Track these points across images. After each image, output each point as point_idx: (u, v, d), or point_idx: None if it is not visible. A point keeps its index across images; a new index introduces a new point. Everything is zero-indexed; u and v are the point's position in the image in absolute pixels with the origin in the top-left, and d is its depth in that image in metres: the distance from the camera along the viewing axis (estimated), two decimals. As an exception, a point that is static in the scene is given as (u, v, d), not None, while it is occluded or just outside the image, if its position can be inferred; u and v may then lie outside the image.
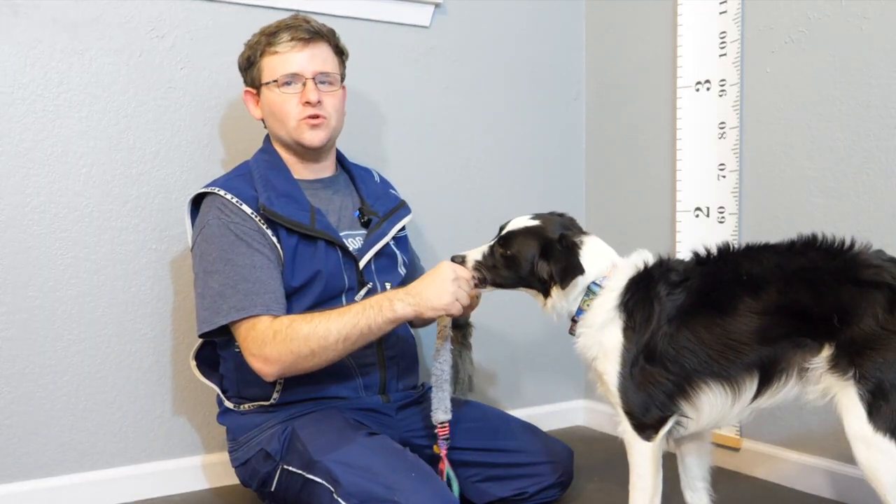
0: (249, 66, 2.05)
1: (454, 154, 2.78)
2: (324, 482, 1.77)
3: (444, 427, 1.94)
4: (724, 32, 2.44)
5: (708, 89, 2.49)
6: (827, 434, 2.22)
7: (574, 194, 3.02)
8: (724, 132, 2.45)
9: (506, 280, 1.84)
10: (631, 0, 2.81)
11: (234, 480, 2.16)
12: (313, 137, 2.02)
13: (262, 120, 2.11)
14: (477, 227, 2.79)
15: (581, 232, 1.86)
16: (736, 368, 1.62)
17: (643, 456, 1.71)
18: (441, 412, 1.94)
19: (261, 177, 1.99)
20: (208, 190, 1.98)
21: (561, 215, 1.90)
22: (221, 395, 2.08)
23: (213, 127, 2.36)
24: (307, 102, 1.99)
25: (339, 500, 1.73)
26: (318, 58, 2.02)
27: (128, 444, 2.28)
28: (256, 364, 1.85)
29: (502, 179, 2.87)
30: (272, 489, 1.93)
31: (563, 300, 1.78)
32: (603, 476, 2.38)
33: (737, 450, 2.44)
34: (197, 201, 2.02)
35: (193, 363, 2.13)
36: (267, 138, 2.14)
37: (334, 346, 1.82)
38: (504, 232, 1.84)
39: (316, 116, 2.00)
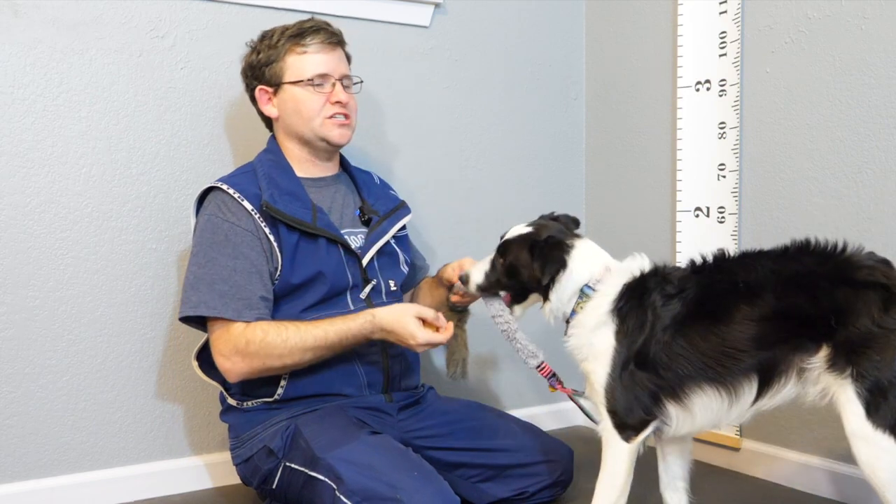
0: (268, 64, 2.06)
1: (454, 154, 2.78)
2: (326, 479, 1.77)
3: (542, 369, 1.94)
4: (724, 32, 2.44)
5: (708, 89, 2.50)
6: (826, 433, 2.22)
7: (574, 194, 3.02)
8: (724, 132, 2.45)
9: (511, 289, 1.89)
10: (631, 0, 2.81)
11: (235, 480, 2.17)
12: (342, 136, 2.11)
13: (271, 119, 2.13)
14: (477, 226, 2.79)
15: (574, 235, 1.88)
16: (733, 374, 1.64)
17: (619, 456, 1.73)
18: (531, 358, 1.92)
19: (265, 175, 2.02)
20: (213, 185, 2.02)
21: (556, 218, 1.93)
22: (224, 393, 2.08)
23: (213, 127, 2.36)
24: (337, 102, 2.07)
25: (342, 497, 1.73)
26: (343, 61, 2.12)
27: (128, 444, 2.27)
28: (225, 364, 1.93)
29: (502, 180, 2.87)
30: (274, 486, 1.93)
31: (558, 302, 1.81)
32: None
33: (736, 450, 2.44)
34: (202, 197, 2.05)
35: (195, 363, 2.13)
36: (272, 139, 2.16)
37: (301, 355, 1.91)
38: (501, 241, 1.89)
39: (346, 116, 2.09)
